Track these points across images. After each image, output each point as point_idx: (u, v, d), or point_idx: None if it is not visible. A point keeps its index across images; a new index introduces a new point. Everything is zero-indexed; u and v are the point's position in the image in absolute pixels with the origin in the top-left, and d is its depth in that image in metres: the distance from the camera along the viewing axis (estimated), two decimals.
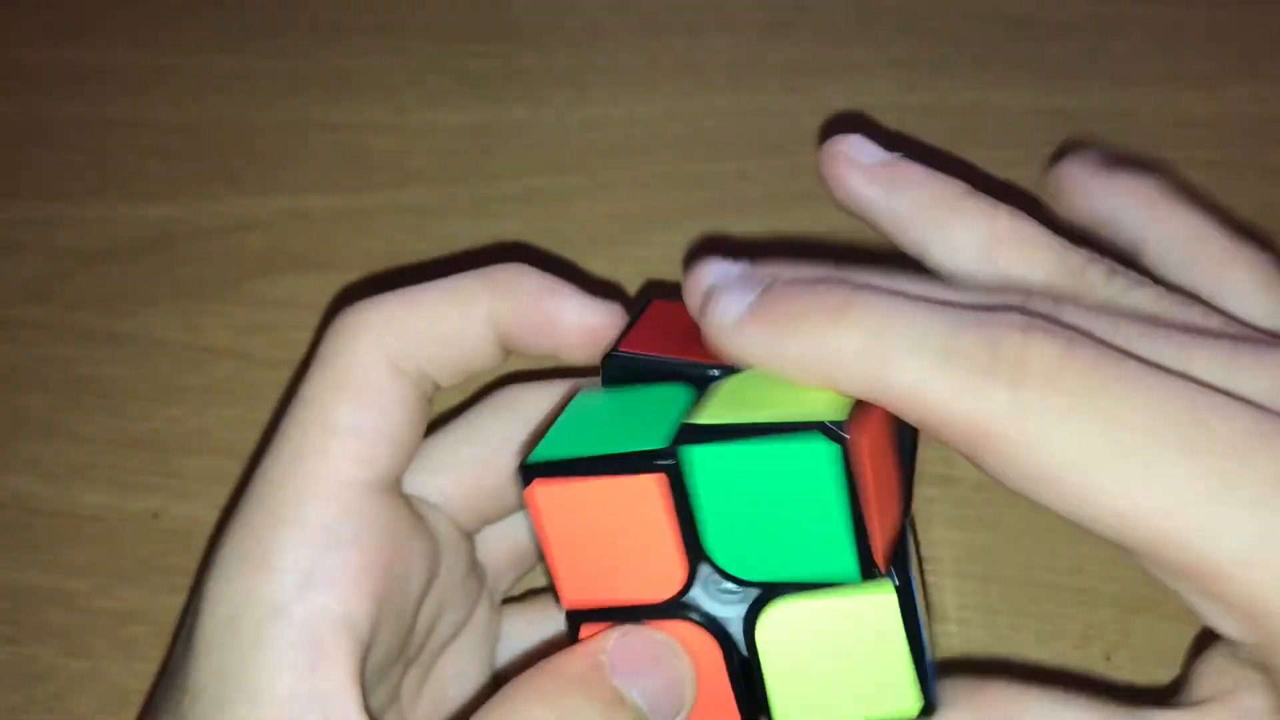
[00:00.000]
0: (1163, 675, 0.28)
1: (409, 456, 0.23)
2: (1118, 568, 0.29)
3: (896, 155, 0.23)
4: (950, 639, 0.29)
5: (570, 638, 0.22)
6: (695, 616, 0.21)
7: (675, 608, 0.21)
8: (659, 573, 0.20)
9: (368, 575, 0.21)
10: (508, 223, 0.36)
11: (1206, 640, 0.22)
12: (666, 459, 0.20)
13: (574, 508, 0.20)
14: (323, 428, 0.22)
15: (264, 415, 0.33)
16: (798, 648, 0.20)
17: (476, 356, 0.24)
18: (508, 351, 0.24)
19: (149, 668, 0.30)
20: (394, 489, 0.23)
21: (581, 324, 0.23)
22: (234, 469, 0.32)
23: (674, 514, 0.20)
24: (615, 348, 0.22)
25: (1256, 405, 0.18)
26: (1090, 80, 0.38)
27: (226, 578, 0.21)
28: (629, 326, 0.23)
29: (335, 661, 0.20)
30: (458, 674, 0.25)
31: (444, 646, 0.24)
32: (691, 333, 0.22)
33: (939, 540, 0.30)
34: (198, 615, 0.21)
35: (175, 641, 0.23)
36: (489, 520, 0.25)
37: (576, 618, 0.22)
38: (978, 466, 0.19)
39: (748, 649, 0.21)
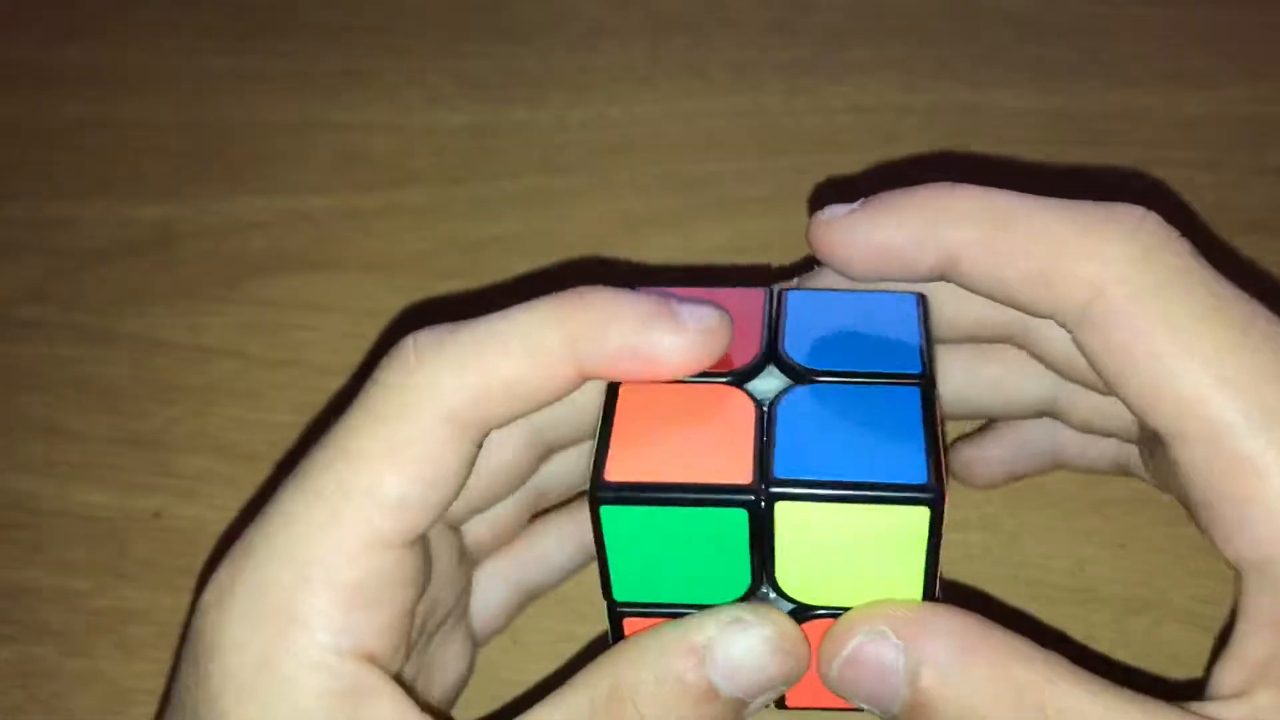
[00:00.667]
0: (1163, 676, 0.28)
1: (445, 511, 0.22)
2: (1118, 568, 0.29)
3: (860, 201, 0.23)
4: None
5: (613, 632, 0.22)
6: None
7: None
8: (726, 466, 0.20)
9: (394, 628, 0.21)
10: (508, 223, 0.36)
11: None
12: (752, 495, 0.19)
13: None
14: (367, 495, 0.20)
15: (264, 415, 0.33)
16: (816, 532, 0.20)
17: (552, 400, 0.21)
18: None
19: (149, 667, 0.30)
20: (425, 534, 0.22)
21: (684, 360, 0.21)
22: (234, 469, 0.32)
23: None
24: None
25: None
26: (1090, 80, 0.39)
27: (254, 620, 0.20)
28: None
29: (382, 696, 0.21)
30: (445, 655, 0.25)
31: (436, 631, 0.25)
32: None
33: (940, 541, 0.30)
34: (217, 650, 0.21)
35: (178, 671, 0.22)
36: (480, 511, 0.25)
37: (620, 612, 0.22)
38: (1076, 337, 0.21)
39: (763, 517, 0.20)
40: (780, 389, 0.21)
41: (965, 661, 0.20)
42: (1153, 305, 0.20)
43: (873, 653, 0.20)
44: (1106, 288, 0.20)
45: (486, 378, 0.21)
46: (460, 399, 0.21)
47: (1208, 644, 0.27)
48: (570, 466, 0.26)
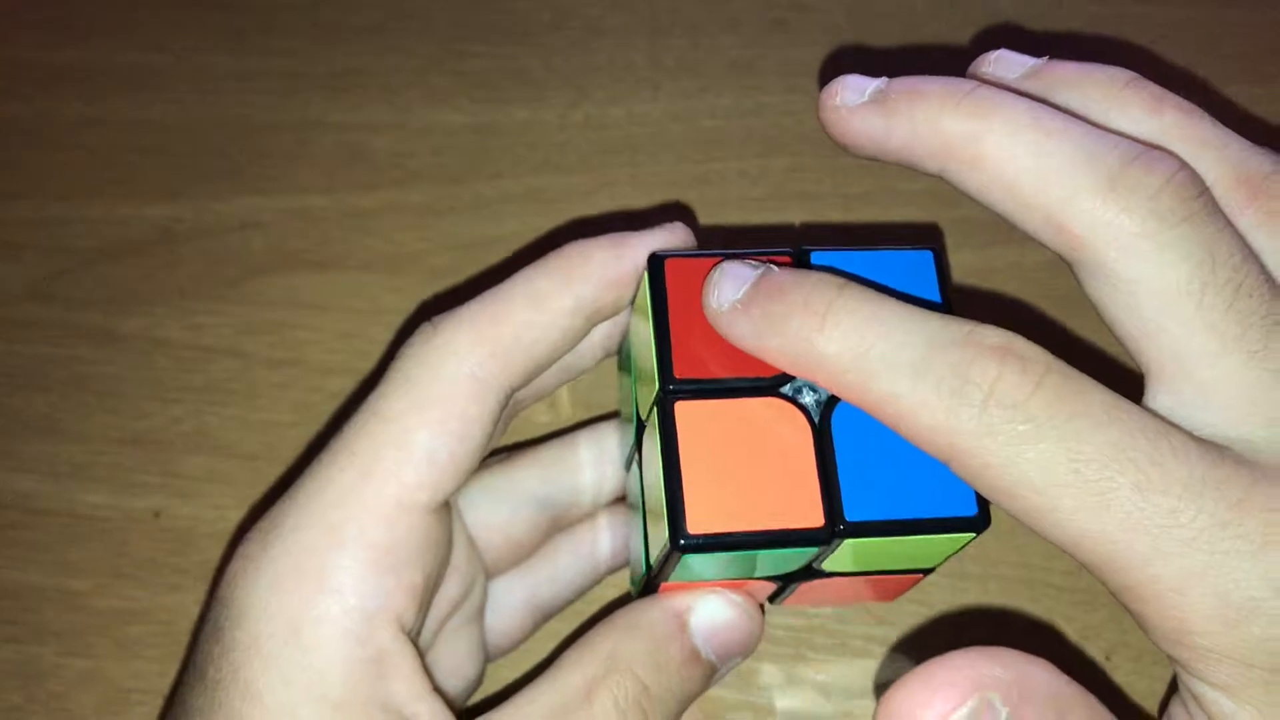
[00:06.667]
0: (1161, 675, 0.28)
1: (470, 473, 0.23)
2: None
3: (884, 80, 0.22)
4: (950, 639, 0.29)
5: (640, 594, 0.23)
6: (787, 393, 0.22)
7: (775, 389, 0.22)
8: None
9: (418, 592, 0.22)
10: (508, 222, 0.36)
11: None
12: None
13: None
14: (398, 449, 0.22)
15: (264, 415, 0.33)
16: (872, 544, 0.21)
17: (562, 350, 0.23)
18: (591, 327, 0.24)
19: (149, 667, 0.30)
20: (449, 504, 0.23)
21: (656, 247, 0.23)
22: (234, 468, 0.32)
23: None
24: (671, 377, 0.21)
25: (1215, 446, 0.19)
26: None
27: (283, 587, 0.21)
28: (660, 309, 0.22)
29: (402, 667, 0.21)
30: (454, 647, 0.25)
31: (442, 627, 0.25)
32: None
33: None
34: (244, 618, 0.21)
35: (199, 642, 0.22)
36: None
37: (654, 583, 0.23)
38: (1075, 273, 0.20)
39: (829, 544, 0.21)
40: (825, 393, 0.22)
41: None
42: (1148, 286, 0.19)
43: None
44: (1111, 254, 0.19)
45: (499, 330, 0.22)
46: (478, 354, 0.22)
47: None
48: (588, 484, 0.27)
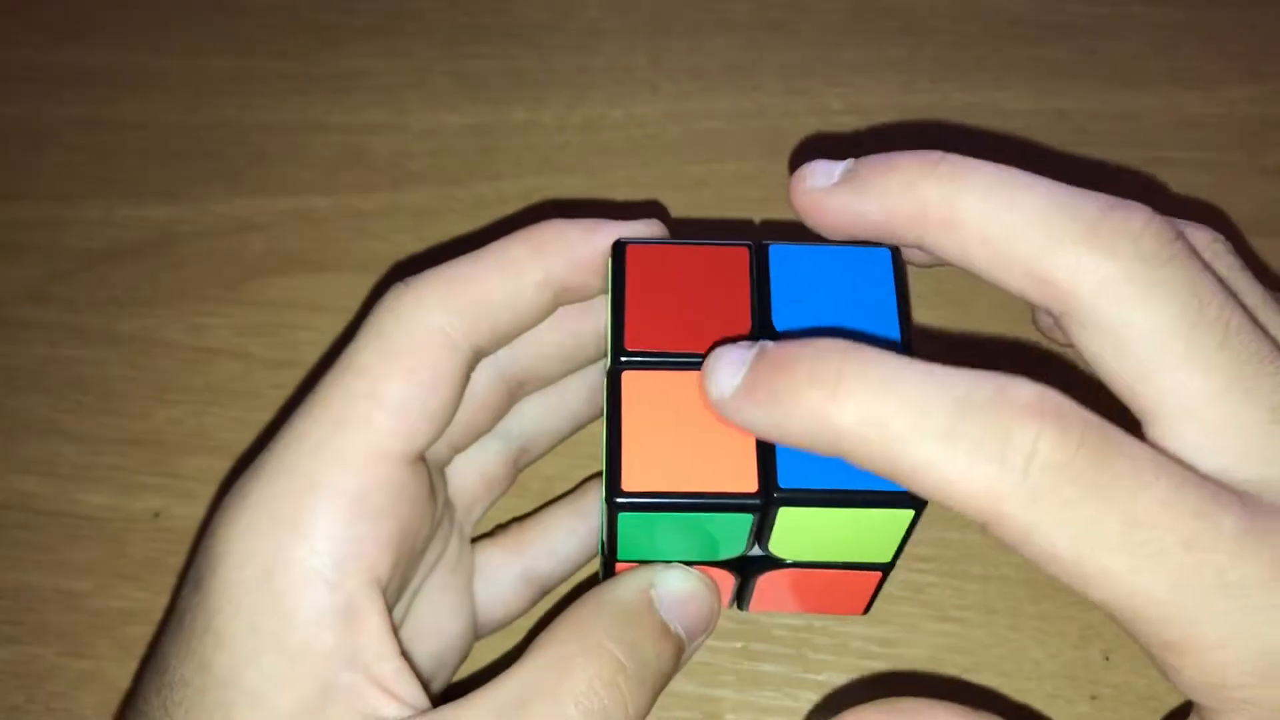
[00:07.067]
0: (1160, 676, 0.28)
1: (444, 429, 0.23)
2: None
3: (852, 160, 0.22)
4: (949, 639, 0.29)
5: (604, 575, 0.24)
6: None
7: None
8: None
9: (393, 543, 0.22)
10: (507, 224, 0.36)
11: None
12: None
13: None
14: (370, 399, 0.22)
15: (264, 415, 0.33)
16: (811, 520, 0.21)
17: (529, 321, 0.24)
18: (558, 305, 0.24)
19: None
20: (422, 457, 0.23)
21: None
22: (234, 468, 0.32)
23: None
24: (623, 348, 0.22)
25: (1253, 498, 0.19)
26: (1090, 81, 0.39)
27: (257, 533, 0.21)
28: (619, 288, 0.23)
29: (371, 621, 0.21)
30: (434, 605, 0.26)
31: (422, 580, 0.25)
32: (684, 287, 0.23)
33: (938, 540, 0.31)
34: (220, 565, 0.21)
35: (180, 592, 0.23)
36: (460, 449, 0.26)
37: (610, 560, 0.23)
38: (1060, 324, 0.20)
39: (766, 513, 0.21)
40: None
41: None
42: (1138, 329, 0.19)
43: None
44: (1099, 300, 0.19)
45: (468, 290, 0.23)
46: (448, 311, 0.23)
47: None
48: (547, 416, 0.28)
